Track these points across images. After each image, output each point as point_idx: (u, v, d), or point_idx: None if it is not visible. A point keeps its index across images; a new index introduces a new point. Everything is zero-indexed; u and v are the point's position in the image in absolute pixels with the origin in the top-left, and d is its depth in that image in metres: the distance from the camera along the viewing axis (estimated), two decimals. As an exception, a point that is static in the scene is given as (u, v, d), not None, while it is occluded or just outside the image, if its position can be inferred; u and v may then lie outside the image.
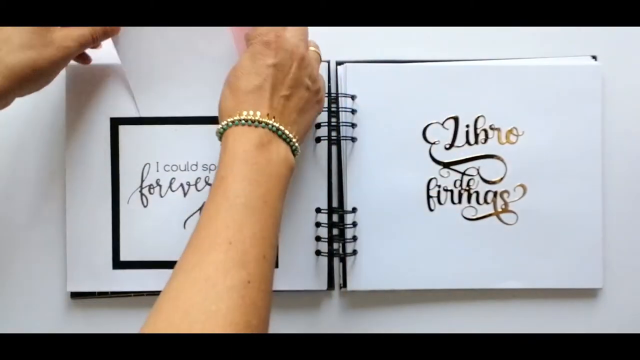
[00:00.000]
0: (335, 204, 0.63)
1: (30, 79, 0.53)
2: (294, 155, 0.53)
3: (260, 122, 0.51)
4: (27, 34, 0.53)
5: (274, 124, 0.51)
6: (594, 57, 0.64)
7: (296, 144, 0.53)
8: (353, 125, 0.63)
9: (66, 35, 0.55)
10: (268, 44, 0.53)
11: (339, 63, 0.64)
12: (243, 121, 0.51)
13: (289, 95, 0.53)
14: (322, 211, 0.62)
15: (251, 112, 0.51)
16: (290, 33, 0.54)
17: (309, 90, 0.54)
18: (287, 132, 0.52)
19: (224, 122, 0.52)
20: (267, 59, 0.52)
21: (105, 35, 0.59)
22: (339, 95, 0.63)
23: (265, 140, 0.50)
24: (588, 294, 0.64)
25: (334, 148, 0.63)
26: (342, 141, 0.63)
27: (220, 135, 0.52)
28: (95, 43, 0.58)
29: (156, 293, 0.61)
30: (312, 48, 0.56)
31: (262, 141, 0.50)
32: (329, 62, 0.64)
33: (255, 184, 0.49)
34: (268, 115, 0.51)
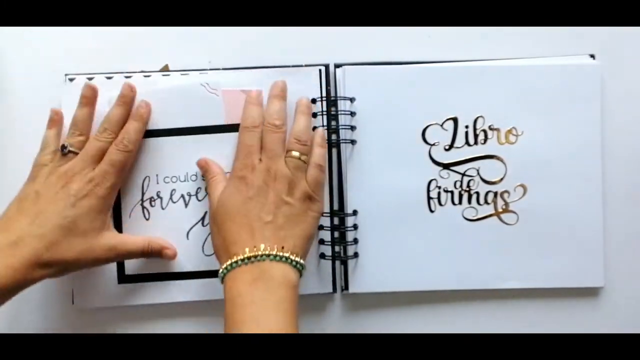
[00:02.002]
0: (336, 206, 0.63)
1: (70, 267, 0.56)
2: (301, 270, 0.54)
3: (249, 259, 0.52)
4: (80, 239, 0.55)
5: (262, 253, 0.52)
6: (592, 56, 0.64)
7: (296, 259, 0.54)
8: (352, 128, 0.62)
9: (116, 244, 0.57)
10: (243, 178, 0.55)
11: (337, 66, 0.63)
12: (234, 264, 0.52)
13: (272, 220, 0.54)
14: (324, 214, 0.63)
15: (240, 253, 0.52)
16: (268, 146, 0.57)
17: (291, 204, 0.55)
18: (279, 253, 0.53)
19: (220, 271, 0.54)
20: (243, 194, 0.55)
21: (158, 255, 0.61)
22: (338, 98, 0.63)
23: (257, 273, 0.52)
24: (589, 292, 0.64)
25: (333, 151, 0.63)
26: (341, 144, 0.63)
27: (222, 283, 0.53)
28: (144, 257, 0.60)
29: (162, 305, 0.62)
30: (295, 153, 0.57)
31: (253, 277, 0.51)
32: (327, 65, 0.63)
33: (256, 325, 0.49)
34: (255, 247, 0.52)
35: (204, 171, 0.60)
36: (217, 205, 0.56)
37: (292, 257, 0.53)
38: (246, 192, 0.55)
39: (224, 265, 0.53)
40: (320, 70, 0.63)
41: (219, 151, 0.62)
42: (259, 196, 0.55)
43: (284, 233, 0.54)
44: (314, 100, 0.62)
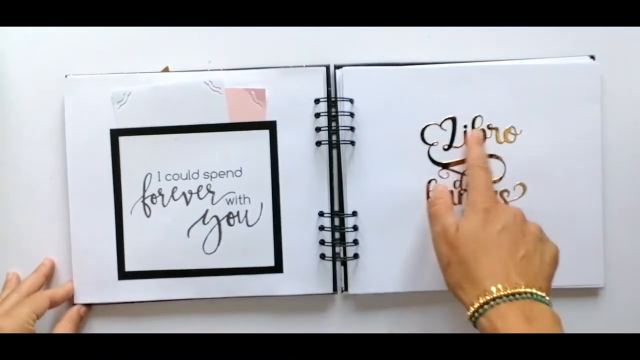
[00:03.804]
0: (336, 207, 0.64)
1: None
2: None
3: (513, 295, 0.49)
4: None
5: (532, 290, 0.50)
6: (592, 57, 0.64)
7: (548, 300, 0.51)
8: (352, 129, 0.63)
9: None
10: (487, 210, 0.55)
11: (337, 67, 0.64)
12: (504, 297, 0.49)
13: (524, 254, 0.53)
14: (325, 215, 0.63)
15: (497, 289, 0.50)
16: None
17: (536, 239, 0.55)
18: (539, 292, 0.50)
19: (477, 305, 0.50)
20: (493, 226, 0.54)
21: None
22: (337, 99, 0.63)
23: (528, 311, 0.49)
24: (589, 292, 0.64)
25: (334, 152, 0.63)
26: (341, 145, 0.63)
27: (476, 319, 0.51)
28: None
29: (161, 302, 0.63)
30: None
31: (526, 315, 0.49)
32: (327, 66, 0.64)
33: None
34: (516, 284, 0.50)
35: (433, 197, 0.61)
36: (466, 236, 0.54)
37: (547, 299, 0.51)
38: (494, 225, 0.54)
39: (487, 298, 0.50)
40: (323, 71, 0.63)
41: (223, 150, 0.63)
42: (508, 230, 0.54)
43: (535, 270, 0.53)
44: (317, 101, 0.63)
